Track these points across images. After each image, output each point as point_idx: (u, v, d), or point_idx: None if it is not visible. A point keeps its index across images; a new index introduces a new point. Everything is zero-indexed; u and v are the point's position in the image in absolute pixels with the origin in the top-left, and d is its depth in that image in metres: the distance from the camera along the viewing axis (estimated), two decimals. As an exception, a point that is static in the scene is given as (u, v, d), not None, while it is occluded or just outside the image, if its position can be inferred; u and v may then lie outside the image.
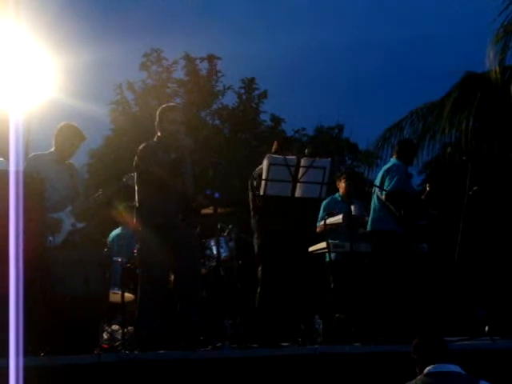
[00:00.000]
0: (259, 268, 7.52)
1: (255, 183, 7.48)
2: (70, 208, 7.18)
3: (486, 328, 7.30)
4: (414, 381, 4.70)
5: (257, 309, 7.45)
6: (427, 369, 4.69)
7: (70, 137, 7.35)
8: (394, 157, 8.16)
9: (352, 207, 8.15)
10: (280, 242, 7.18)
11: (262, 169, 7.33)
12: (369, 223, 8.06)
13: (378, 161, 14.24)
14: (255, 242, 7.57)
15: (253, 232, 7.66)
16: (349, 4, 41.20)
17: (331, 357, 6.39)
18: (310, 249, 8.36)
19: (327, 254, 8.38)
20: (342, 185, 8.87)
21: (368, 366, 6.45)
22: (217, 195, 7.52)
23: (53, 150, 7.36)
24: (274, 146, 7.73)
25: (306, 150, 7.58)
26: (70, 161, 7.49)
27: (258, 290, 7.50)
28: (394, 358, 6.53)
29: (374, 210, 8.01)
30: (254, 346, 6.97)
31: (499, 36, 12.07)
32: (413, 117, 13.98)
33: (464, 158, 8.51)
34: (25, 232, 5.66)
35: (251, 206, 7.61)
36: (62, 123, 7.44)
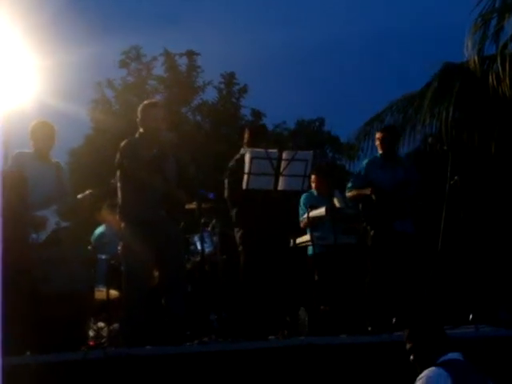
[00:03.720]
0: (241, 258, 7.51)
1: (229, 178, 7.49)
2: (55, 207, 7.16)
3: (470, 316, 7.34)
4: (428, 371, 4.64)
5: (240, 300, 7.45)
6: (445, 356, 4.65)
7: (43, 133, 7.33)
8: None
9: (335, 200, 8.18)
10: (262, 233, 7.18)
11: (235, 162, 7.38)
12: None
13: (360, 153, 14.23)
14: (236, 234, 7.56)
15: (233, 225, 7.65)
16: (327, -1, 41.27)
17: (318, 348, 6.41)
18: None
19: (309, 248, 8.38)
20: (313, 180, 8.82)
21: (354, 357, 6.48)
22: (211, 195, 7.53)
23: (33, 149, 7.36)
24: (246, 136, 7.74)
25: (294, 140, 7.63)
26: (56, 160, 7.49)
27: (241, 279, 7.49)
28: (380, 348, 6.58)
29: None
30: (241, 339, 6.99)
31: (477, 26, 12.11)
32: (393, 108, 13.99)
33: (445, 147, 8.55)
34: (7, 230, 5.64)
35: (229, 199, 7.59)
36: (34, 122, 7.43)
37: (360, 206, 8.16)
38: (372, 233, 7.95)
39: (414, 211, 8.22)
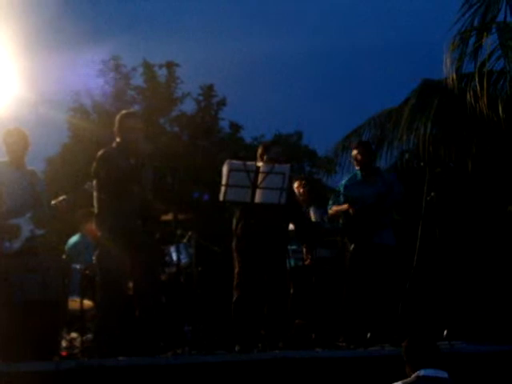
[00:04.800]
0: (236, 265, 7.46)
1: None
2: (29, 214, 7.09)
3: (445, 332, 7.35)
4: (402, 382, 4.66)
5: (234, 311, 7.37)
6: (417, 372, 4.66)
7: (16, 140, 7.26)
8: None
9: (312, 214, 8.18)
10: (261, 246, 7.20)
11: None
12: None
13: (337, 167, 14.24)
14: (235, 245, 7.53)
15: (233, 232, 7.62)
16: (307, 12, 41.41)
17: (292, 362, 6.39)
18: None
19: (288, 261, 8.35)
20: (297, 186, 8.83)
21: (329, 371, 6.46)
22: (206, 197, 7.49)
23: (6, 156, 7.30)
24: (260, 152, 7.71)
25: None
26: (31, 168, 7.42)
27: (235, 287, 7.42)
28: (355, 362, 6.57)
29: None
30: (214, 351, 6.97)
31: (456, 44, 12.16)
32: (371, 124, 14.00)
33: (421, 164, 8.57)
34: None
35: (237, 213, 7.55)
36: (6, 129, 7.37)
37: (340, 221, 8.16)
38: (352, 246, 7.92)
39: (389, 223, 8.20)
